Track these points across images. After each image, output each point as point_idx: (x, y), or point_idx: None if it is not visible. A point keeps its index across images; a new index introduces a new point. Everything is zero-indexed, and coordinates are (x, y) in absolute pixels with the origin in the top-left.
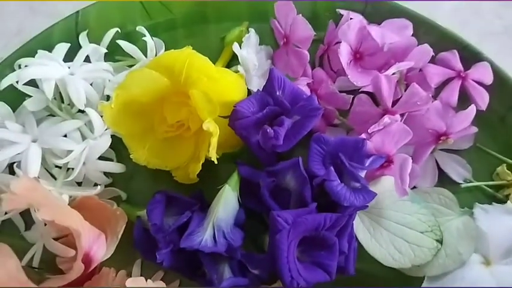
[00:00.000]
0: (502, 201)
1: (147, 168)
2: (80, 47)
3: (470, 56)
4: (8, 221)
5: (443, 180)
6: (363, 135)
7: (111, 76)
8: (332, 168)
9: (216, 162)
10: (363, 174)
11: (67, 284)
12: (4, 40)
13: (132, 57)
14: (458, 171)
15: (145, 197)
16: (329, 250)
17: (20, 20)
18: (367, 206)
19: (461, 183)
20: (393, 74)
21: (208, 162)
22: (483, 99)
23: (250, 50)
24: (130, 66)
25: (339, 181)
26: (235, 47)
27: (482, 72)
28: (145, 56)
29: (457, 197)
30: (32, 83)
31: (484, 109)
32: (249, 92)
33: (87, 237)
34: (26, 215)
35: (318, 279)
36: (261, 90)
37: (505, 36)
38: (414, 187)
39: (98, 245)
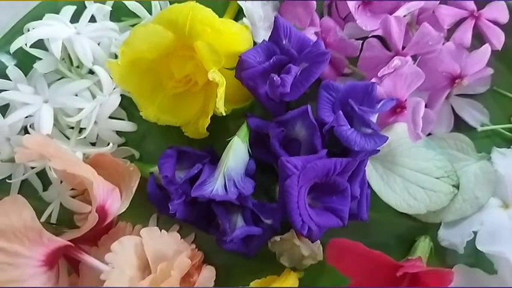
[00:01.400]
0: None
1: (158, 127)
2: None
3: None
4: (26, 183)
5: (460, 125)
6: (373, 80)
7: (117, 35)
8: (341, 112)
9: (224, 114)
10: (374, 119)
11: (84, 236)
12: (13, 10)
13: (137, 15)
14: (474, 115)
15: (157, 154)
16: (341, 195)
17: None
18: (379, 150)
19: (478, 128)
20: (404, 16)
21: (218, 118)
22: (499, 38)
23: (255, 2)
24: (135, 25)
25: (349, 126)
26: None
27: (497, 11)
28: (150, 14)
29: (474, 142)
30: (42, 47)
31: (500, 49)
32: (256, 44)
33: (101, 188)
34: (43, 177)
35: (330, 223)
36: (267, 40)
37: None
38: (429, 134)
39: (113, 199)
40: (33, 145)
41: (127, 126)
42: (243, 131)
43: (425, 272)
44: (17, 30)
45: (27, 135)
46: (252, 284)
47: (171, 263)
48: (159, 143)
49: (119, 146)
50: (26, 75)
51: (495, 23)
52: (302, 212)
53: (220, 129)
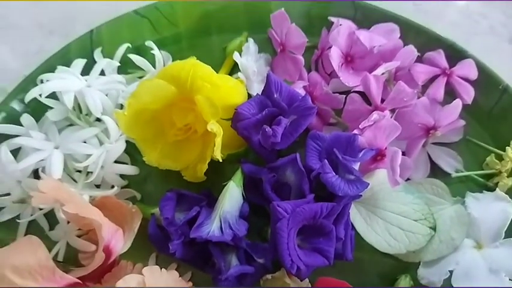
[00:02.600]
0: (492, 189)
1: (159, 171)
2: (95, 62)
3: (456, 54)
4: (33, 223)
5: (436, 171)
6: (355, 131)
7: (124, 87)
8: (326, 161)
9: (221, 160)
10: (356, 166)
11: (89, 275)
12: (26, 60)
13: (142, 69)
14: (449, 162)
15: (158, 197)
16: (327, 237)
17: (39, 41)
18: (361, 195)
19: (452, 174)
20: (383, 74)
21: (215, 163)
22: (468, 93)
23: (249, 57)
24: (141, 77)
25: (334, 173)
26: (236, 55)
27: (467, 69)
28: (154, 68)
29: (449, 187)
30: (53, 96)
31: (470, 103)
32: (250, 96)
33: (107, 229)
34: (49, 217)
35: (317, 263)
36: (260, 94)
37: (490, 36)
38: (408, 179)
39: (116, 239)
40: (48, 189)
41: (130, 170)
42: (238, 176)
43: None
44: (30, 80)
45: (42, 180)
46: None
47: None
48: (159, 185)
49: (121, 188)
50: (37, 121)
51: (465, 79)
52: (291, 252)
53: (217, 173)
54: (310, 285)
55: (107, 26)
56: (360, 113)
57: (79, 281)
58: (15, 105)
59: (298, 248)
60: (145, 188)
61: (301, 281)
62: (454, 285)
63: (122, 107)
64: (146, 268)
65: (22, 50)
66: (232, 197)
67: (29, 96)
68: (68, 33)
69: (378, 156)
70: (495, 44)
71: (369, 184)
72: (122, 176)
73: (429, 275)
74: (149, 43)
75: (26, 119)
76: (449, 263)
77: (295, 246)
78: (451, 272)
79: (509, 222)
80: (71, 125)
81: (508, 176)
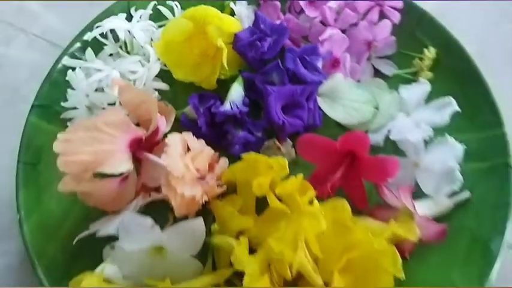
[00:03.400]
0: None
1: (184, 85)
2: (132, 16)
3: None
4: None
5: (378, 75)
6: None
7: (154, 29)
8: (299, 60)
9: (228, 72)
10: (320, 65)
11: (145, 146)
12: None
13: (166, 18)
14: (387, 68)
15: (185, 103)
16: (301, 108)
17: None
18: (323, 82)
19: (389, 74)
20: (334, 7)
21: (222, 81)
22: (396, 17)
23: (242, 6)
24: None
25: (304, 69)
26: (232, 4)
27: (394, 1)
28: (173, 16)
29: (389, 83)
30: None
31: (397, 23)
32: None
33: (157, 114)
34: None
35: (296, 123)
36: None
37: None
38: (358, 81)
39: (162, 122)
40: (119, 83)
41: (163, 86)
42: (239, 79)
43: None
44: (87, 29)
45: (117, 77)
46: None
47: (203, 149)
48: (183, 97)
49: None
50: None
51: (393, 8)
52: (279, 114)
53: (224, 88)
54: (293, 149)
55: None
56: (320, 33)
57: (142, 135)
58: (76, 48)
59: (283, 114)
60: (174, 100)
61: (285, 136)
62: (392, 138)
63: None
64: (184, 133)
65: (69, 18)
66: (236, 91)
67: (92, 35)
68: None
69: (335, 63)
70: None
71: (327, 75)
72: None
73: (375, 137)
74: (169, 2)
75: (89, 52)
76: (388, 127)
77: (280, 111)
78: (389, 132)
79: (426, 94)
80: None
81: (428, 71)
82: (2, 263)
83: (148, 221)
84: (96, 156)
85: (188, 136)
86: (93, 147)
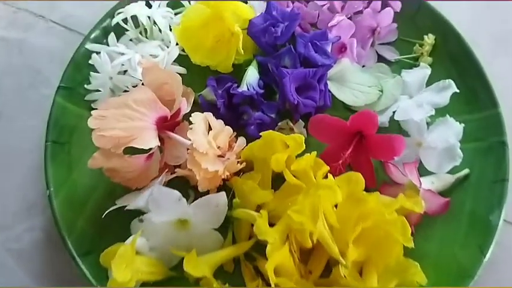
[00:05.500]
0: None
1: (200, 69)
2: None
3: None
4: None
5: (381, 60)
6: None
7: (172, 15)
8: (310, 44)
9: (242, 54)
10: (329, 49)
11: (167, 126)
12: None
13: (182, 5)
14: (389, 54)
15: (201, 87)
16: (313, 89)
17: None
18: (332, 66)
19: (392, 60)
20: None
21: (237, 66)
22: (398, 6)
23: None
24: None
25: (315, 52)
26: None
27: None
28: (189, 3)
29: (391, 68)
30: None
31: (398, 11)
32: None
33: (180, 94)
34: None
35: (309, 104)
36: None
37: None
38: (363, 66)
39: (183, 103)
40: (145, 62)
41: (181, 70)
42: (254, 63)
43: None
44: (109, 15)
45: (140, 59)
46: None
47: (224, 128)
48: (200, 82)
49: None
50: None
51: None
52: (293, 94)
53: (239, 72)
54: (305, 130)
55: None
56: (328, 20)
57: (168, 113)
58: (98, 33)
59: (297, 95)
60: (191, 83)
61: (299, 114)
62: (396, 118)
63: (170, 29)
64: (205, 113)
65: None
66: (252, 73)
67: (114, 20)
68: None
69: (342, 48)
70: None
71: (337, 58)
72: None
73: (380, 119)
74: None
75: (112, 37)
76: (393, 108)
77: (295, 91)
78: (394, 113)
79: (427, 77)
80: None
81: (428, 56)
82: (29, 238)
83: (176, 193)
84: (128, 132)
85: (209, 116)
86: (125, 124)
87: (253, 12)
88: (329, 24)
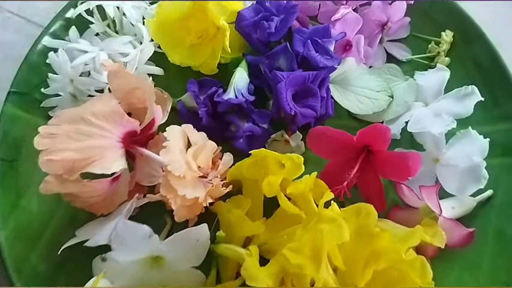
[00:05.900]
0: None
1: (180, 70)
2: None
3: None
4: None
5: (391, 60)
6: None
7: (146, 5)
8: (309, 42)
9: (229, 51)
10: (331, 47)
11: (138, 141)
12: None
13: None
14: (400, 52)
15: (181, 91)
16: (314, 96)
17: None
18: (335, 68)
19: (403, 60)
20: None
21: (223, 66)
22: None
23: None
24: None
25: (315, 52)
26: None
27: None
28: None
29: (402, 69)
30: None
31: (412, 2)
32: None
33: (153, 103)
34: None
35: (308, 113)
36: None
37: None
38: (370, 66)
39: (158, 113)
40: (110, 66)
41: (157, 70)
42: (243, 63)
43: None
44: (72, 5)
45: (105, 59)
46: None
47: (206, 144)
48: (180, 84)
49: None
50: None
51: None
52: (289, 103)
53: (225, 73)
54: (303, 143)
55: None
56: (331, 13)
57: (138, 127)
58: (58, 27)
59: (294, 103)
60: (168, 86)
61: (296, 127)
62: (409, 129)
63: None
64: (184, 125)
65: None
66: (241, 76)
67: (76, 11)
68: None
69: (347, 46)
70: None
71: (341, 59)
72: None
73: (392, 129)
74: None
75: (72, 32)
76: (406, 117)
77: (291, 99)
78: (406, 123)
79: (446, 82)
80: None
81: (445, 56)
82: None
83: (146, 229)
84: (83, 154)
85: (189, 129)
86: (80, 143)
87: (242, 4)
88: (332, 18)
